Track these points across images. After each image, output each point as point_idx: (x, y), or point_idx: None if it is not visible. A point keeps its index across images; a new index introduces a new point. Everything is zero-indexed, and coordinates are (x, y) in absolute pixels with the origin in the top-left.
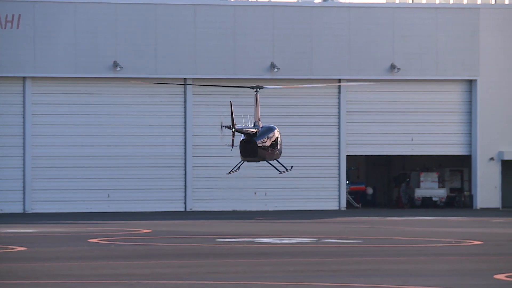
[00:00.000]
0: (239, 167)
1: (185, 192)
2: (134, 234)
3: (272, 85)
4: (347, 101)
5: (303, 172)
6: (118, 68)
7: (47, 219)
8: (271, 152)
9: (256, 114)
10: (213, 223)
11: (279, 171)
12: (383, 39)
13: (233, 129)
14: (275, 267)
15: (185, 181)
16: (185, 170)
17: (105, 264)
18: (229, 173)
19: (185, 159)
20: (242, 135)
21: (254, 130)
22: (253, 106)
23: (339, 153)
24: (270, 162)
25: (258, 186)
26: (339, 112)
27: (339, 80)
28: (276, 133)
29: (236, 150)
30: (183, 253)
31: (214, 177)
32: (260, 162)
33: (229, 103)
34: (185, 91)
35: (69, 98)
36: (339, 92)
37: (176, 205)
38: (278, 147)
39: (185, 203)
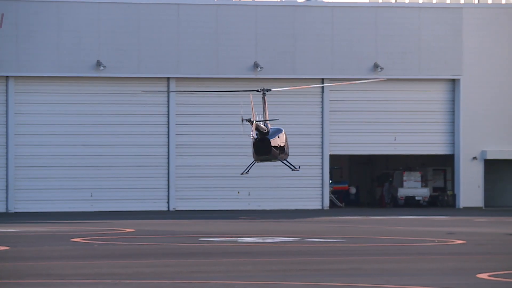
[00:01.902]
0: (250, 169)
1: (168, 191)
2: (117, 233)
3: (258, 84)
4: (330, 100)
5: (286, 172)
6: (101, 68)
7: (30, 219)
8: (280, 152)
9: (265, 116)
10: (196, 223)
11: (291, 169)
12: (366, 38)
13: (253, 121)
14: (258, 266)
15: (168, 180)
16: (168, 169)
17: (88, 264)
18: (242, 173)
19: (168, 158)
20: (255, 132)
21: (267, 128)
22: (239, 105)
23: (322, 152)
24: (283, 161)
25: (241, 186)
26: (322, 112)
27: (322, 80)
28: (284, 134)
29: (221, 149)
30: (166, 252)
31: (197, 177)
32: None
33: (251, 96)
34: (168, 90)
35: (52, 98)
36: (322, 92)
37: (159, 205)
38: (285, 147)
39: (168, 202)
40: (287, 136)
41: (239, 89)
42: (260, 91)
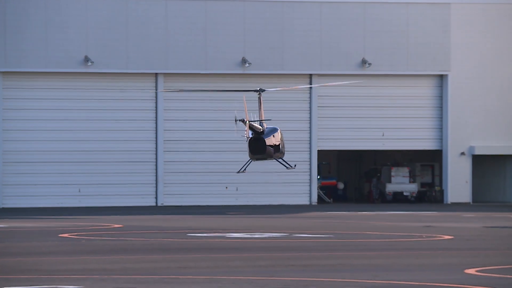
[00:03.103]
0: (246, 167)
1: (156, 187)
2: (105, 229)
3: (246, 80)
4: (318, 96)
5: (274, 167)
6: (89, 63)
7: (18, 214)
8: (276, 151)
9: (260, 115)
10: (184, 218)
11: (286, 167)
12: (354, 34)
13: (247, 121)
14: (246, 262)
15: (156, 176)
16: (156, 165)
17: (76, 259)
18: (238, 172)
19: (156, 154)
20: (250, 132)
21: (261, 128)
22: (226, 101)
23: (310, 148)
24: (278, 160)
25: (229, 181)
26: (310, 107)
27: (310, 75)
28: (280, 133)
29: (209, 145)
30: (154, 248)
31: (185, 172)
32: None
33: (244, 97)
34: (156, 86)
35: (40, 93)
36: (310, 87)
37: (147, 200)
38: (281, 146)
39: (156, 198)
40: (283, 134)
41: (227, 84)
42: (256, 91)
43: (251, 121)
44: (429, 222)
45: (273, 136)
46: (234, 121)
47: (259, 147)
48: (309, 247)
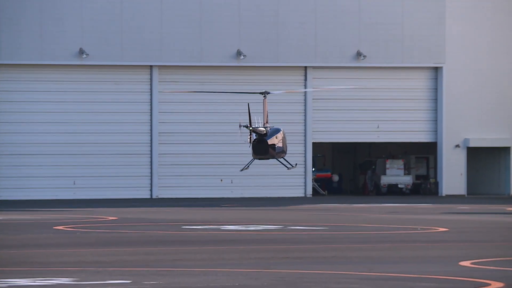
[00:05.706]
0: (249, 165)
1: (151, 179)
2: (100, 221)
3: (241, 72)
4: (314, 88)
5: (269, 160)
6: (84, 56)
7: (13, 206)
8: (278, 151)
9: (265, 117)
10: (179, 210)
11: (287, 167)
12: (349, 26)
13: (250, 128)
14: (241, 254)
15: (151, 168)
16: (151, 157)
17: (70, 252)
18: (241, 170)
19: (151, 146)
20: (254, 134)
21: (265, 130)
22: (221, 93)
23: (305, 140)
24: (279, 160)
25: (224, 173)
26: (305, 99)
27: (305, 68)
28: (282, 134)
29: (204, 137)
30: (149, 240)
31: (180, 164)
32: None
33: (248, 104)
34: (151, 78)
35: (35, 85)
36: (305, 80)
37: (142, 192)
38: (283, 146)
39: (151, 190)
40: (285, 134)
41: (222, 77)
42: (261, 93)
43: (255, 127)
44: (429, 215)
45: (276, 137)
46: (239, 127)
47: (262, 148)
48: (304, 239)
